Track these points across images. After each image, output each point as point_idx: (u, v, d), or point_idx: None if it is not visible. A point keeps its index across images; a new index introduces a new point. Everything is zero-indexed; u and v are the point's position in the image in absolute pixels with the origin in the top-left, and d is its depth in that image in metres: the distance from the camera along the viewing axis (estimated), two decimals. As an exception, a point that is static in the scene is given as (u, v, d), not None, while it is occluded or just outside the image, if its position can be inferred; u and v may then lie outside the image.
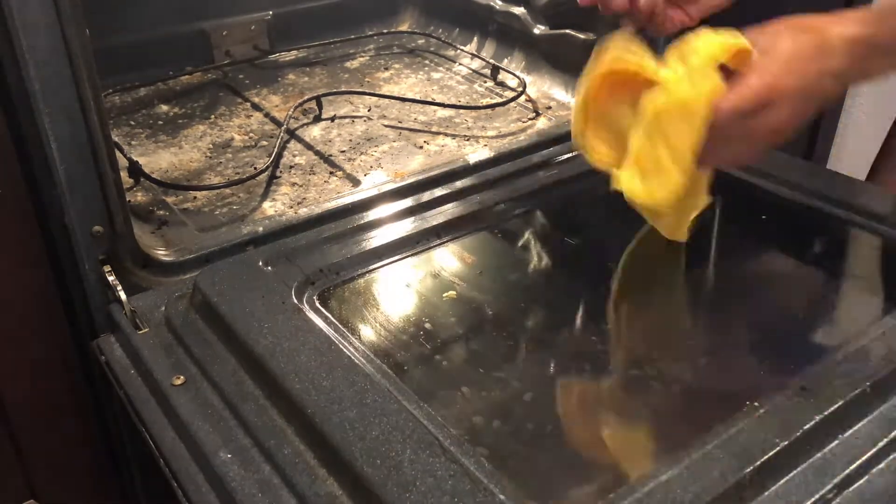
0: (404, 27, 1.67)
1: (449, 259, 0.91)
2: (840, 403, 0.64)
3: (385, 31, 1.65)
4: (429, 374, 0.73)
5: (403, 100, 1.34)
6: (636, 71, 0.68)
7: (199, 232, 0.99)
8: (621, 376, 0.73)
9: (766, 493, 0.58)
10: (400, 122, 1.28)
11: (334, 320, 0.77)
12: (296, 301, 0.78)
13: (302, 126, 1.26)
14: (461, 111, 1.32)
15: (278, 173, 1.12)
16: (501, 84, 1.43)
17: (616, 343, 0.77)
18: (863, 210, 0.91)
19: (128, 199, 0.90)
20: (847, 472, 0.60)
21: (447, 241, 0.93)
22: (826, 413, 0.63)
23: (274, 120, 1.28)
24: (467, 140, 1.23)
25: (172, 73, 1.42)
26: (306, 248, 0.88)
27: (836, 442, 0.62)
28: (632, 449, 0.67)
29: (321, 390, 0.66)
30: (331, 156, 1.16)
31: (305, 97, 1.29)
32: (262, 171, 1.10)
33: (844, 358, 0.69)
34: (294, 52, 1.54)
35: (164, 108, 1.33)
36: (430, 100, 1.35)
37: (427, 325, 0.80)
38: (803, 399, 0.65)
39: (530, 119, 1.29)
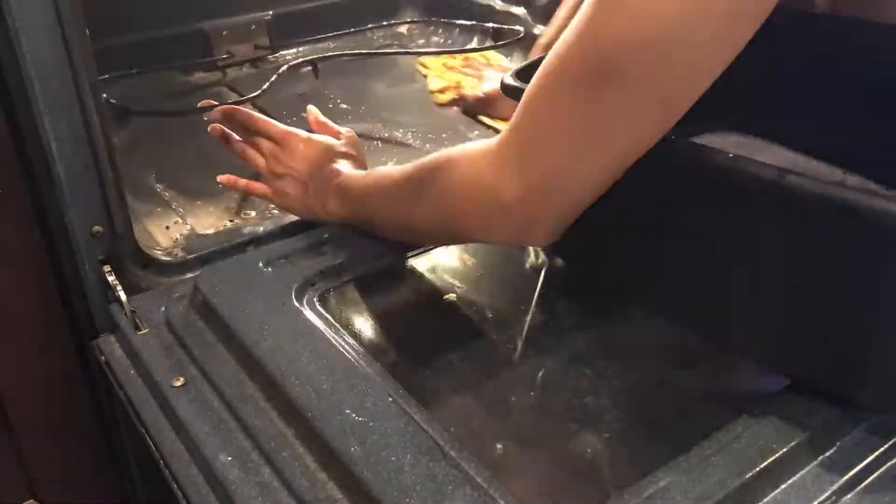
0: (404, 27, 1.67)
1: (449, 260, 0.91)
2: (840, 410, 0.64)
3: (385, 30, 1.65)
4: (429, 378, 0.73)
5: (403, 99, 1.34)
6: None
7: (200, 232, 0.99)
8: (621, 381, 0.73)
9: (765, 500, 0.58)
10: (400, 121, 1.28)
11: (335, 322, 0.77)
12: (296, 303, 0.78)
13: (302, 126, 1.25)
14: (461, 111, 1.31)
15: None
16: (501, 84, 1.42)
17: (617, 347, 0.77)
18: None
19: (128, 199, 0.90)
20: (846, 477, 0.60)
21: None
22: (826, 418, 0.63)
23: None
24: (467, 140, 1.22)
25: (172, 74, 1.41)
26: (306, 248, 0.88)
27: (836, 448, 0.62)
28: (631, 454, 0.67)
29: (321, 394, 0.66)
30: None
31: (305, 97, 1.28)
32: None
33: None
34: (294, 52, 1.54)
35: (165, 108, 1.33)
36: (429, 100, 1.35)
37: (428, 328, 0.80)
38: (803, 404, 0.65)
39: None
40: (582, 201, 0.65)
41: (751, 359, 0.73)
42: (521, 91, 0.77)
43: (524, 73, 0.79)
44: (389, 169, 0.82)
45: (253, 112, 0.99)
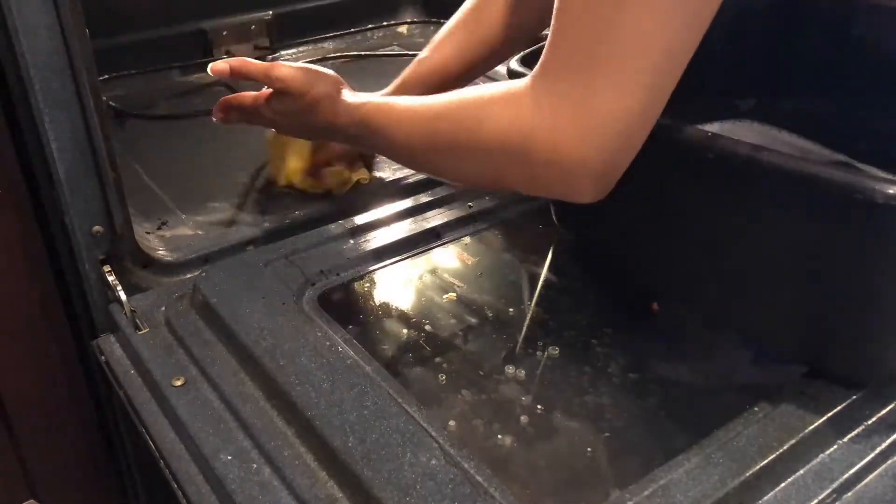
0: (404, 27, 1.68)
1: (449, 260, 0.91)
2: (839, 408, 0.64)
3: (385, 30, 1.65)
4: (429, 377, 0.73)
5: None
6: None
7: (199, 232, 0.99)
8: (621, 379, 0.73)
9: (766, 498, 0.58)
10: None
11: (335, 322, 0.77)
12: (296, 302, 0.78)
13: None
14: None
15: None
16: (501, 84, 1.42)
17: (616, 346, 0.77)
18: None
19: (128, 199, 0.90)
20: (846, 476, 0.60)
21: (447, 242, 0.93)
22: (825, 417, 0.63)
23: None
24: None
25: (172, 74, 1.42)
26: (306, 248, 0.88)
27: (836, 446, 0.62)
28: (631, 453, 0.67)
29: (321, 392, 0.66)
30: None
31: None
32: (262, 171, 1.10)
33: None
34: (294, 52, 1.54)
35: (165, 108, 1.33)
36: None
37: (427, 327, 0.80)
38: (802, 403, 0.65)
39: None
40: (641, 129, 0.59)
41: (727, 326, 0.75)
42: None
43: (531, 59, 0.80)
44: (414, 106, 0.73)
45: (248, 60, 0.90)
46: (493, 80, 1.16)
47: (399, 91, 1.01)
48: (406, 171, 1.09)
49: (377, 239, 0.90)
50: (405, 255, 0.90)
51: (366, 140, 0.81)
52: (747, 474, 0.59)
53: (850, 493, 0.59)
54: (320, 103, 0.84)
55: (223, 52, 1.47)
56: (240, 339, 0.73)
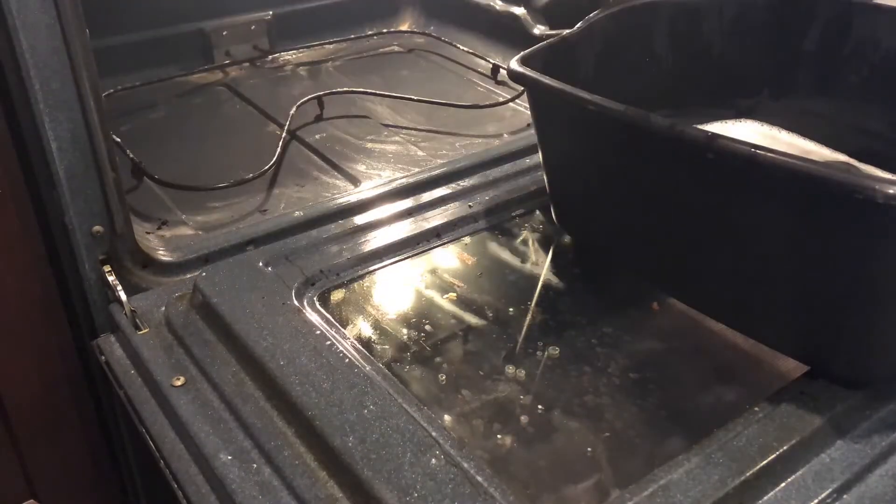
0: (404, 27, 1.68)
1: (449, 260, 0.91)
2: (839, 408, 0.64)
3: (385, 30, 1.65)
4: (429, 377, 0.73)
5: (403, 99, 1.34)
6: None
7: (199, 232, 0.99)
8: (621, 379, 0.73)
9: (765, 498, 0.58)
10: (400, 122, 1.28)
11: (334, 321, 0.77)
12: (296, 302, 0.78)
13: (303, 126, 1.26)
14: (461, 111, 1.31)
15: (279, 173, 1.12)
16: (502, 84, 1.43)
17: (616, 346, 0.77)
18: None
19: (128, 199, 0.90)
20: (846, 476, 0.60)
21: (447, 242, 0.93)
22: (825, 417, 0.63)
23: (275, 120, 1.28)
24: (467, 140, 1.23)
25: (172, 73, 1.42)
26: (306, 248, 0.88)
27: (836, 446, 0.62)
28: (631, 453, 0.67)
29: (321, 392, 0.66)
30: (331, 156, 1.16)
31: (306, 97, 1.29)
32: (263, 172, 1.10)
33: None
34: (294, 52, 1.54)
35: (165, 108, 1.33)
36: (429, 99, 1.35)
37: (427, 327, 0.80)
38: (802, 403, 0.65)
39: (530, 119, 1.28)
40: None
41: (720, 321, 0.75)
42: (528, 77, 0.78)
43: (530, 60, 0.80)
44: None
45: None
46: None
47: None
48: (404, 172, 1.10)
49: (377, 239, 0.90)
50: (405, 255, 0.90)
51: None
52: (747, 474, 0.58)
53: (850, 493, 0.59)
54: None
55: (223, 52, 1.47)
56: (240, 339, 0.73)
